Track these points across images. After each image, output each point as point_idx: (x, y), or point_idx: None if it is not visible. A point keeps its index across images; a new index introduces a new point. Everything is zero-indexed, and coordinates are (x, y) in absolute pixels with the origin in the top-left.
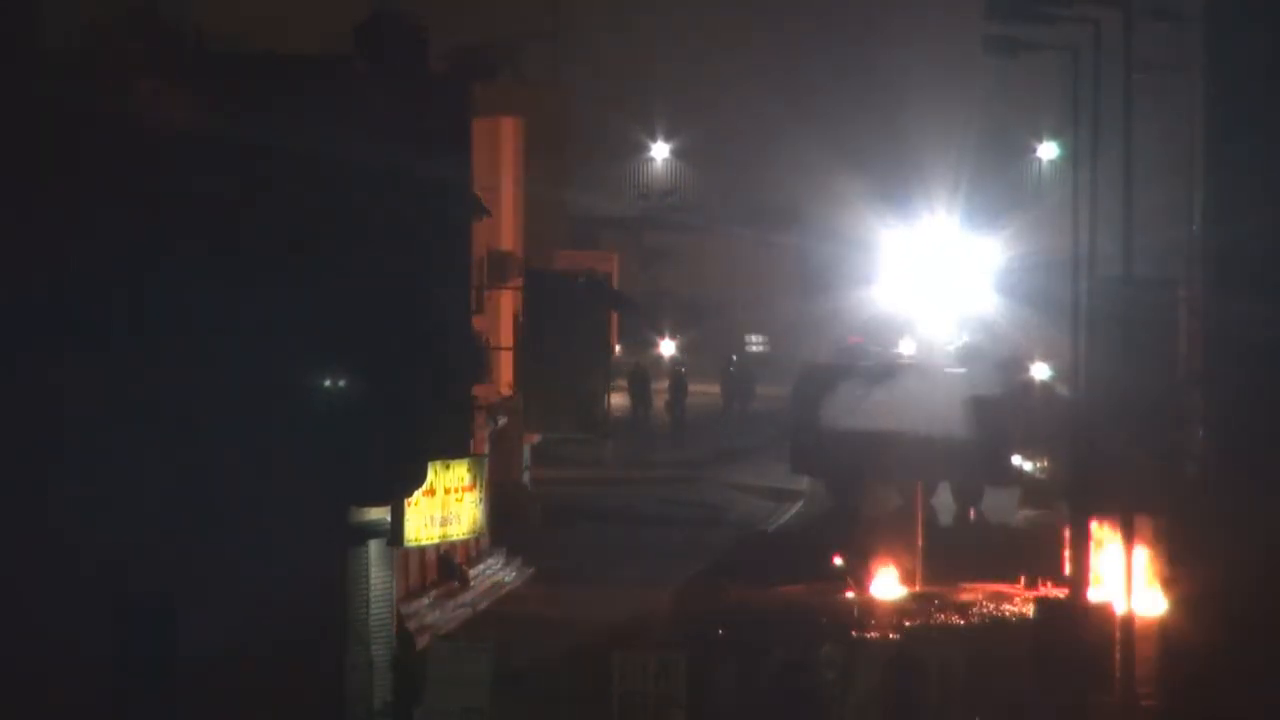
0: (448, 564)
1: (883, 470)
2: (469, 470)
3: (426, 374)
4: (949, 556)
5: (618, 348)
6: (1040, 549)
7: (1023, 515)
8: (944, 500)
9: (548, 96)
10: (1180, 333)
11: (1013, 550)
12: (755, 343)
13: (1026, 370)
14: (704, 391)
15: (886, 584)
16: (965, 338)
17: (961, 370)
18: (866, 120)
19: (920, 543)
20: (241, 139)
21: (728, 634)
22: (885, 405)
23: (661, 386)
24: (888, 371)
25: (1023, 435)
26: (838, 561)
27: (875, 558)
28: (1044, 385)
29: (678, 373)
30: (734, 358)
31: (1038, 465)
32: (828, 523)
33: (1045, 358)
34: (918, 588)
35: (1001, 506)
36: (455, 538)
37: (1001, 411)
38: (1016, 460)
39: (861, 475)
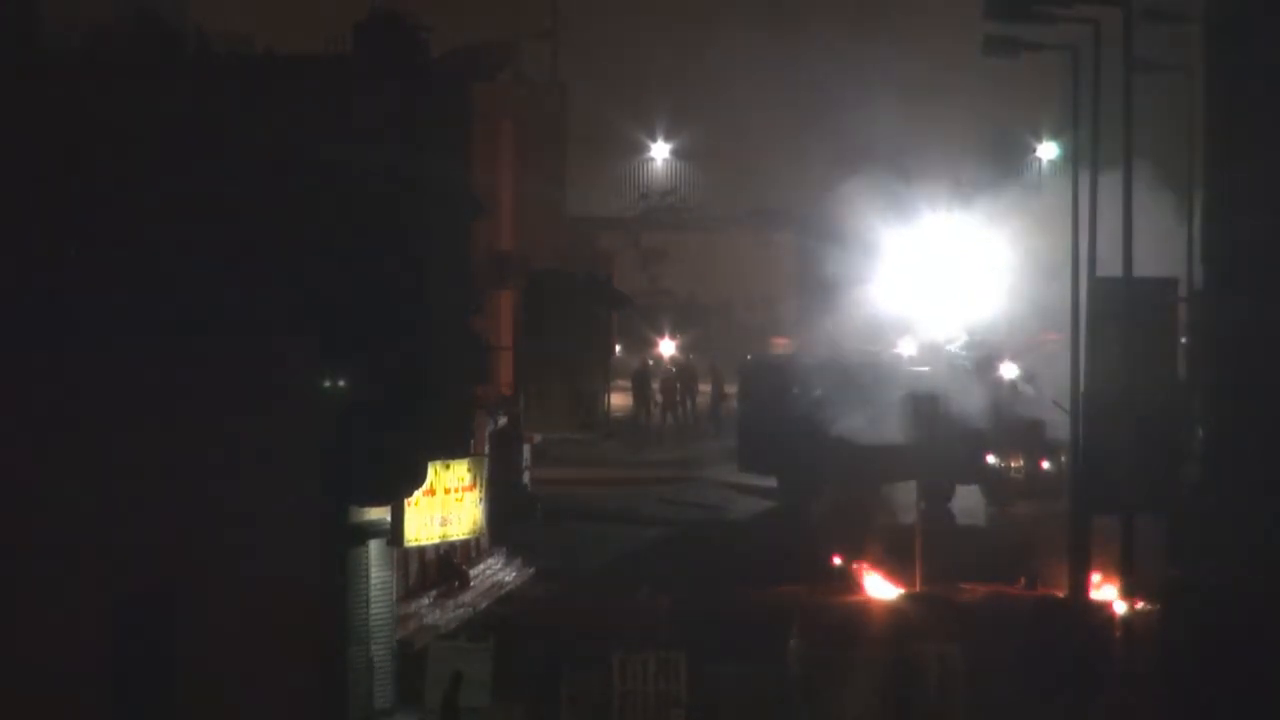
0: (448, 564)
1: (835, 468)
2: (469, 470)
3: (427, 374)
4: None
5: (618, 348)
6: (1014, 548)
7: (997, 513)
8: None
9: (547, 96)
10: (1180, 333)
11: (983, 550)
12: (780, 344)
13: (995, 369)
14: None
15: (884, 585)
16: (967, 337)
17: (925, 369)
18: (866, 119)
19: (919, 542)
20: (241, 139)
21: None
22: (840, 403)
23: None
24: (842, 369)
25: (992, 434)
26: (837, 562)
27: (874, 558)
28: (1011, 385)
29: (688, 371)
30: (749, 357)
31: (1012, 465)
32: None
33: (1016, 358)
34: (917, 588)
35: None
36: (455, 538)
37: (966, 409)
38: (991, 460)
39: (812, 474)
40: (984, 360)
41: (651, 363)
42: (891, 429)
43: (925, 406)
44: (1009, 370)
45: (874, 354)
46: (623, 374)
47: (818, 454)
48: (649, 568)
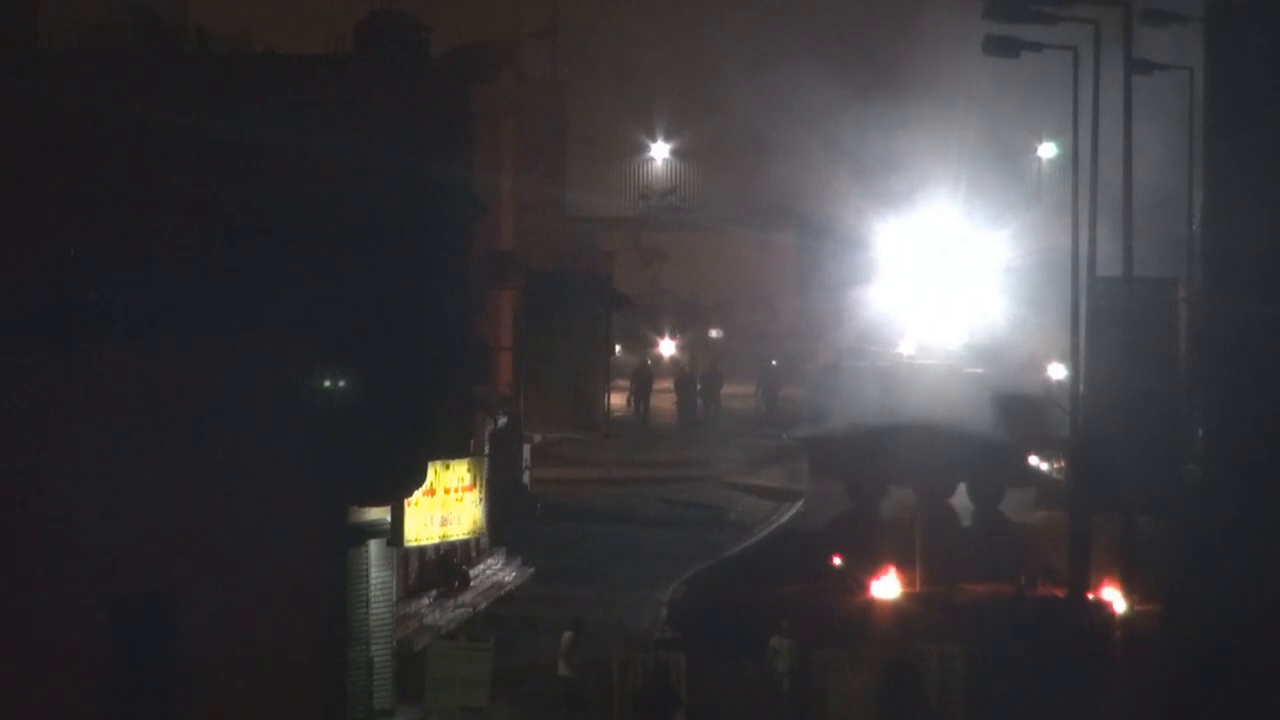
0: (448, 564)
1: (906, 472)
2: (469, 470)
3: (426, 374)
4: (975, 558)
5: (618, 348)
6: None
7: (1040, 515)
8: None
9: (547, 96)
10: (1180, 333)
11: (1030, 550)
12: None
13: (1044, 371)
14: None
15: (886, 585)
16: (967, 338)
17: (979, 371)
18: (866, 119)
19: (919, 543)
20: (241, 139)
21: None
22: (907, 406)
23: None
24: (908, 372)
25: (1041, 436)
26: (837, 562)
27: (877, 559)
28: (1059, 385)
29: (715, 371)
30: (772, 361)
31: (1054, 466)
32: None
33: (1050, 358)
34: (917, 588)
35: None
36: (455, 538)
37: (1027, 412)
38: (1034, 461)
39: (883, 477)
40: (1028, 360)
41: (651, 362)
42: (968, 431)
43: (1017, 409)
44: (1056, 371)
45: (932, 356)
46: (624, 374)
47: (892, 458)
48: (649, 567)
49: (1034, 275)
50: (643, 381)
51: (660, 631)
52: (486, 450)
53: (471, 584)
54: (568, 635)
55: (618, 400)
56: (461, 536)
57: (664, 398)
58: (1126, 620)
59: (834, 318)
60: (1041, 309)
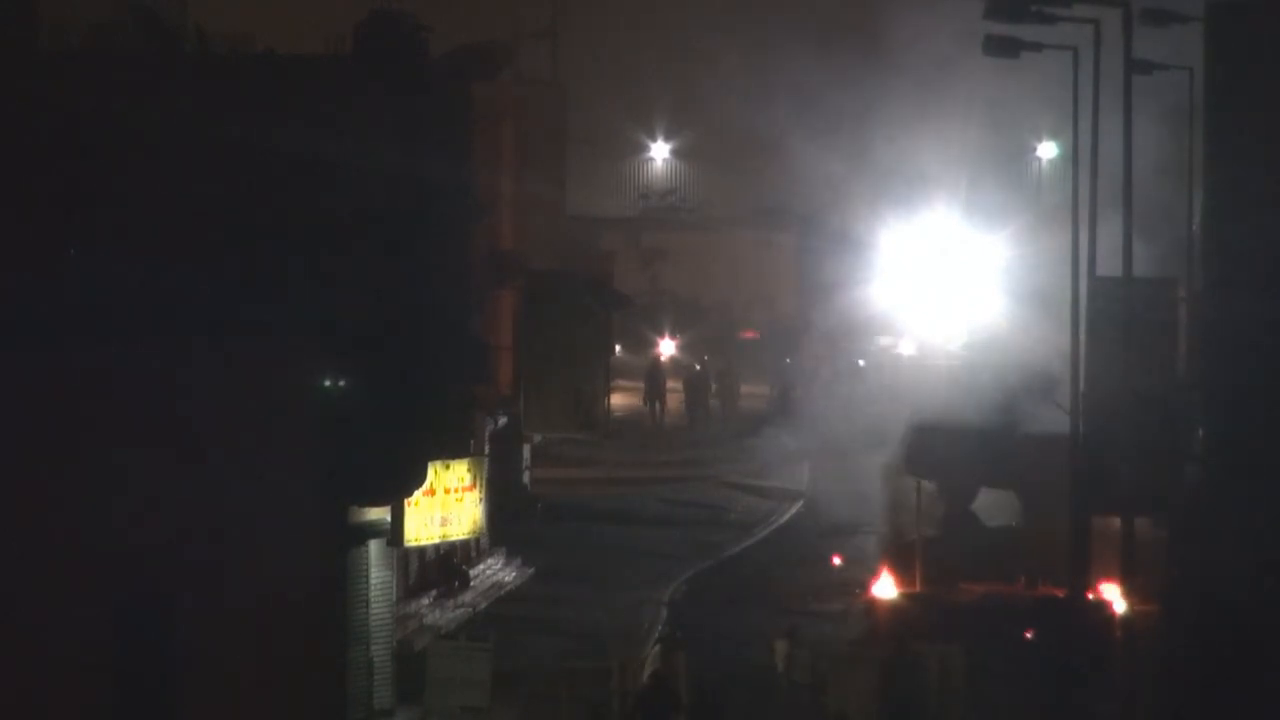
0: (448, 564)
1: (1000, 472)
2: (469, 470)
3: (427, 374)
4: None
5: (618, 348)
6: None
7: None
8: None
9: (547, 96)
10: (1180, 333)
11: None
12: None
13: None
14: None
15: (885, 585)
16: (966, 337)
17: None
18: (866, 119)
19: (920, 542)
20: (241, 139)
21: None
22: (1008, 406)
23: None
24: (1001, 372)
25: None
26: (837, 562)
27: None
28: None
29: (730, 370)
30: (787, 360)
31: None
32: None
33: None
34: (917, 588)
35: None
36: (455, 538)
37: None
38: None
39: (979, 478)
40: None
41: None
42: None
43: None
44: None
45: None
46: (623, 374)
47: (988, 459)
48: (649, 567)
49: (1034, 275)
50: (656, 381)
51: (660, 631)
52: (486, 450)
53: (471, 584)
54: (657, 648)
55: (626, 400)
56: (461, 536)
57: (673, 397)
58: (1126, 620)
59: (832, 315)
60: (1041, 309)
